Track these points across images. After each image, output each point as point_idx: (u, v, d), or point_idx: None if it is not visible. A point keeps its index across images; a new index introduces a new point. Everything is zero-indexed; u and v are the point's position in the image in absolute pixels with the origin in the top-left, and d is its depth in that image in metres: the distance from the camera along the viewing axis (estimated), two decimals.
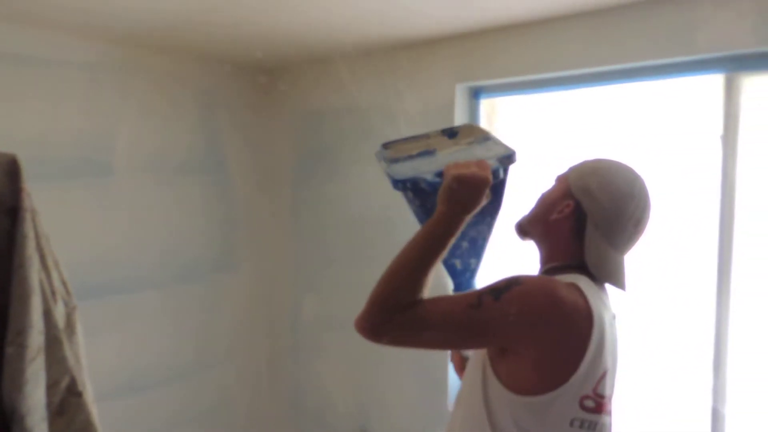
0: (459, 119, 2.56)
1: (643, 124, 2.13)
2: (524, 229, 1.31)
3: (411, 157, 1.32)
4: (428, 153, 1.32)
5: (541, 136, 2.37)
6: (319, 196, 3.14)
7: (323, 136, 3.10)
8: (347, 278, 3.04)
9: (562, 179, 1.27)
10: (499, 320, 1.09)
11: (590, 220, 1.19)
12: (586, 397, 1.14)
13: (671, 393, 2.10)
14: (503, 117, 2.55)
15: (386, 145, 1.43)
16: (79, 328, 1.22)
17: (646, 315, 2.13)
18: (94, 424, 1.15)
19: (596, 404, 1.15)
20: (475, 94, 2.56)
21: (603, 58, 2.12)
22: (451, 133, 1.42)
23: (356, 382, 3.02)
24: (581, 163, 1.29)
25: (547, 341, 1.11)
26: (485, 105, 2.57)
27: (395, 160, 1.32)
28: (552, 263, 1.25)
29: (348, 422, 3.03)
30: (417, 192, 1.26)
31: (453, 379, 2.62)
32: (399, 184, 1.26)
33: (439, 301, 1.12)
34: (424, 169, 1.27)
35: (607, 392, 1.17)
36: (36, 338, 1.06)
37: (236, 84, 3.18)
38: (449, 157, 1.28)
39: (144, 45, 2.69)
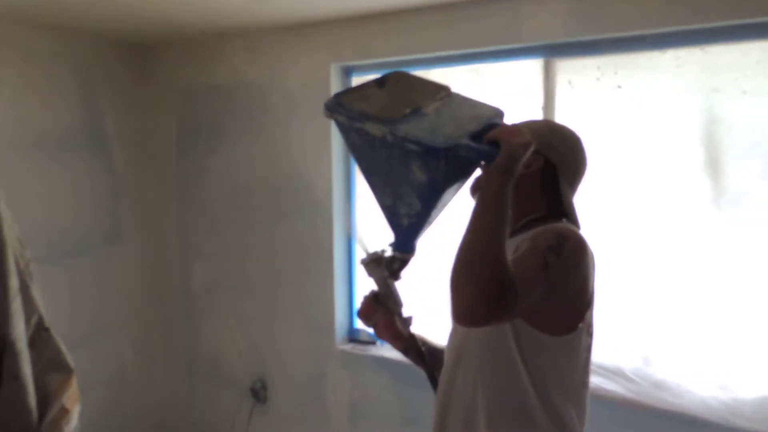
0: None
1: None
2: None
3: (411, 117, 1.21)
4: (418, 112, 1.22)
5: None
6: (202, 168, 3.35)
7: (204, 111, 3.30)
8: (232, 244, 3.29)
9: None
10: (565, 275, 1.18)
11: (560, 171, 1.32)
12: (590, 325, 1.30)
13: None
14: None
15: (339, 98, 1.29)
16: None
17: None
18: (63, 352, 1.37)
19: (592, 330, 1.31)
20: (348, 72, 2.92)
21: (449, 44, 2.57)
22: (380, 82, 1.36)
23: (249, 338, 3.30)
24: (528, 123, 1.39)
25: (587, 282, 1.23)
26: (356, 82, 2.95)
27: (395, 121, 1.19)
28: (530, 215, 1.32)
29: (245, 376, 3.31)
30: (448, 161, 1.15)
31: (339, 322, 3.00)
32: (440, 152, 1.14)
33: (522, 274, 1.12)
34: (453, 132, 1.18)
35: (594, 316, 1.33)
36: (14, 280, 1.27)
37: (116, 61, 3.27)
38: (443, 117, 1.23)
39: (21, 21, 2.72)
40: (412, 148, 1.15)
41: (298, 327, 3.12)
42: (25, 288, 1.32)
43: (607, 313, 2.39)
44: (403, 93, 1.29)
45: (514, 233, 1.30)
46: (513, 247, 1.22)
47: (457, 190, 1.29)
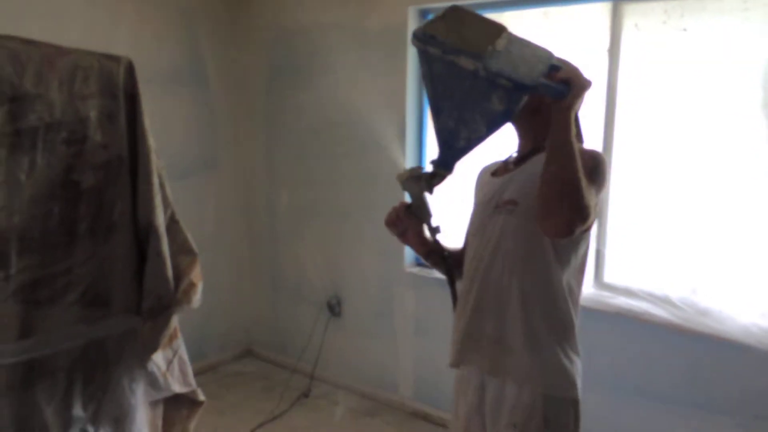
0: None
1: (550, 41, 2.77)
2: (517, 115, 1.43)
3: (494, 53, 1.32)
4: (495, 48, 1.34)
5: None
6: (289, 103, 3.67)
7: (292, 51, 3.59)
8: (314, 173, 3.63)
9: None
10: (600, 188, 1.43)
11: None
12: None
13: None
14: None
15: (428, 30, 1.37)
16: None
17: None
18: (190, 240, 1.73)
19: None
20: (424, 15, 3.11)
21: None
22: (444, 18, 1.42)
23: (327, 259, 3.67)
24: None
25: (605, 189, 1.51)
26: None
27: (485, 57, 1.31)
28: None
29: (322, 293, 3.71)
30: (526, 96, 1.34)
31: (408, 250, 3.30)
32: (528, 89, 1.32)
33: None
34: (529, 71, 1.33)
35: None
36: (156, 179, 1.62)
37: (217, 2, 3.61)
38: (513, 55, 1.35)
39: None
40: (504, 83, 1.30)
41: (372, 251, 3.45)
42: (162, 186, 1.67)
43: (657, 245, 2.58)
44: (470, 29, 1.38)
45: (533, 151, 1.54)
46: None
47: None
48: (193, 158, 3.62)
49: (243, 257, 4.01)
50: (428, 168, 1.52)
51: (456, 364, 1.63)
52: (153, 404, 1.77)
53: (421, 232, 1.65)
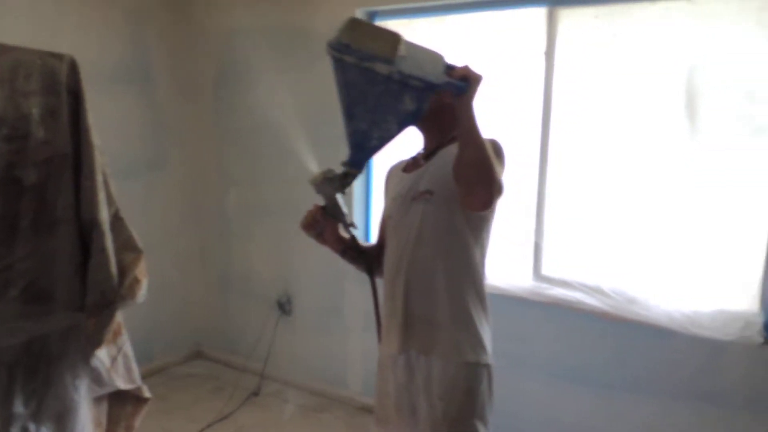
0: None
1: (485, 46, 2.89)
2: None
3: (401, 57, 1.44)
4: (400, 53, 1.45)
5: None
6: (238, 103, 3.68)
7: (239, 51, 3.60)
8: (263, 173, 3.65)
9: None
10: (505, 167, 1.62)
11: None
12: None
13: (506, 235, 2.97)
14: None
15: (342, 40, 1.44)
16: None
17: None
18: (134, 236, 1.75)
19: None
20: (372, 16, 3.19)
21: None
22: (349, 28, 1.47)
23: (276, 258, 3.70)
24: None
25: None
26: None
27: (396, 62, 1.43)
28: (453, 132, 1.67)
29: (272, 291, 3.73)
30: (435, 92, 1.47)
31: None
32: (436, 87, 1.45)
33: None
34: (432, 71, 1.47)
35: None
36: (100, 176, 1.63)
37: (161, 3, 3.58)
38: (416, 58, 1.47)
39: None
40: (416, 84, 1.43)
41: (322, 249, 3.47)
42: (107, 184, 1.69)
43: (591, 238, 2.73)
44: (373, 38, 1.47)
45: (437, 148, 1.72)
46: (452, 153, 1.55)
47: None
48: (141, 157, 3.59)
49: (193, 257, 3.99)
50: (340, 169, 1.63)
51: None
52: (97, 401, 1.77)
53: (337, 231, 1.78)
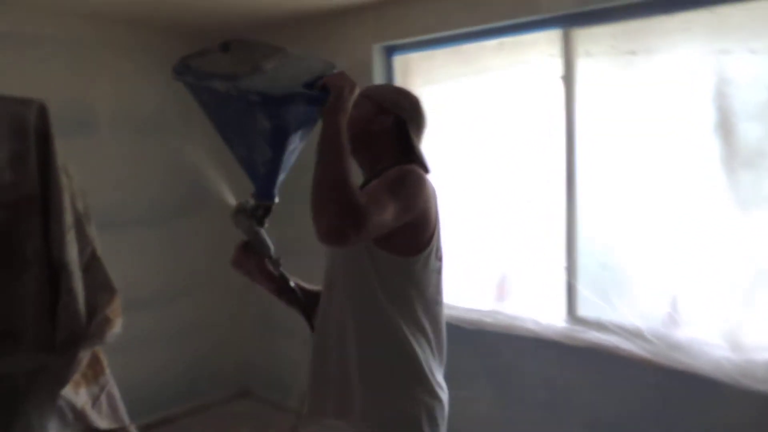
0: (377, 75, 3.15)
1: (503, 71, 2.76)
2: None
3: (252, 74, 1.34)
4: (259, 70, 1.35)
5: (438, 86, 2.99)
6: None
7: None
8: (304, 210, 3.65)
9: (362, 103, 1.50)
10: (408, 200, 1.37)
11: (409, 126, 1.54)
12: (438, 248, 1.52)
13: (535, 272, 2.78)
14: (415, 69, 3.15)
15: (186, 62, 1.42)
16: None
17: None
18: (110, 277, 1.76)
19: (440, 255, 1.56)
20: (389, 52, 3.16)
21: (476, 19, 2.73)
22: (224, 47, 1.45)
23: None
24: (377, 87, 1.69)
25: (428, 210, 1.44)
26: (398, 62, 3.17)
27: (237, 78, 1.32)
28: (383, 165, 1.51)
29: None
30: (287, 108, 1.33)
31: None
32: (278, 100, 1.31)
33: (372, 198, 1.30)
34: (289, 83, 1.34)
35: (441, 244, 1.57)
36: (69, 217, 1.66)
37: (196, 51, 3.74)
38: (281, 72, 1.36)
39: (116, 20, 3.24)
40: (254, 99, 1.30)
41: None
42: (80, 224, 1.72)
43: (627, 276, 2.48)
44: (246, 55, 1.40)
45: (371, 179, 1.51)
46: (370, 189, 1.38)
47: (304, 136, 1.44)
48: (185, 200, 3.73)
49: (233, 298, 4.04)
50: (250, 201, 1.51)
51: (312, 414, 1.54)
52: None
53: (265, 267, 1.61)
